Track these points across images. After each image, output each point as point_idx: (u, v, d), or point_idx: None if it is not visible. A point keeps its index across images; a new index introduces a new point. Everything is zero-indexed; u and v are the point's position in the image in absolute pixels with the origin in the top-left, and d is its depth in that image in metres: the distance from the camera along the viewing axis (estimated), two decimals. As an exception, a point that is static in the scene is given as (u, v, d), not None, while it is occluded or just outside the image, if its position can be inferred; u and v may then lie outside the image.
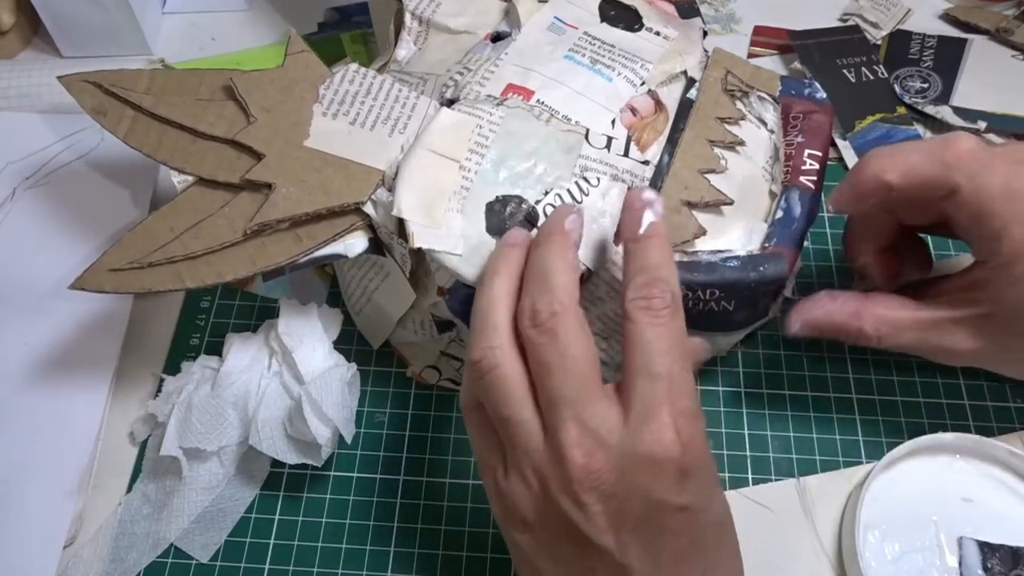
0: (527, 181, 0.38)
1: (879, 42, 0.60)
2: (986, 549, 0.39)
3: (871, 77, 0.57)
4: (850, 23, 0.60)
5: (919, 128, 0.55)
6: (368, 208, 0.38)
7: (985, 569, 0.39)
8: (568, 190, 0.38)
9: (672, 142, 0.41)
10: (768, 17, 0.61)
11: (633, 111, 0.41)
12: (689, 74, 0.43)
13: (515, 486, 0.31)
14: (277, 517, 0.42)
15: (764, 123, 0.43)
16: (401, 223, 0.37)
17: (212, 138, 0.40)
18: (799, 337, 0.40)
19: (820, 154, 0.42)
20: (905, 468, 0.41)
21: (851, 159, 0.54)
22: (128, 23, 0.58)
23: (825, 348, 0.46)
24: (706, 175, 0.40)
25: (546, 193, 0.38)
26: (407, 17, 0.45)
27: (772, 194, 0.41)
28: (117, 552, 0.41)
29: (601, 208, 0.38)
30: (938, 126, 0.55)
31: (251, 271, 0.38)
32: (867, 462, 0.43)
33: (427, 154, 0.38)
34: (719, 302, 0.38)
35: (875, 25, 0.60)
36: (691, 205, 0.39)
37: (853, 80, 0.57)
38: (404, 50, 0.45)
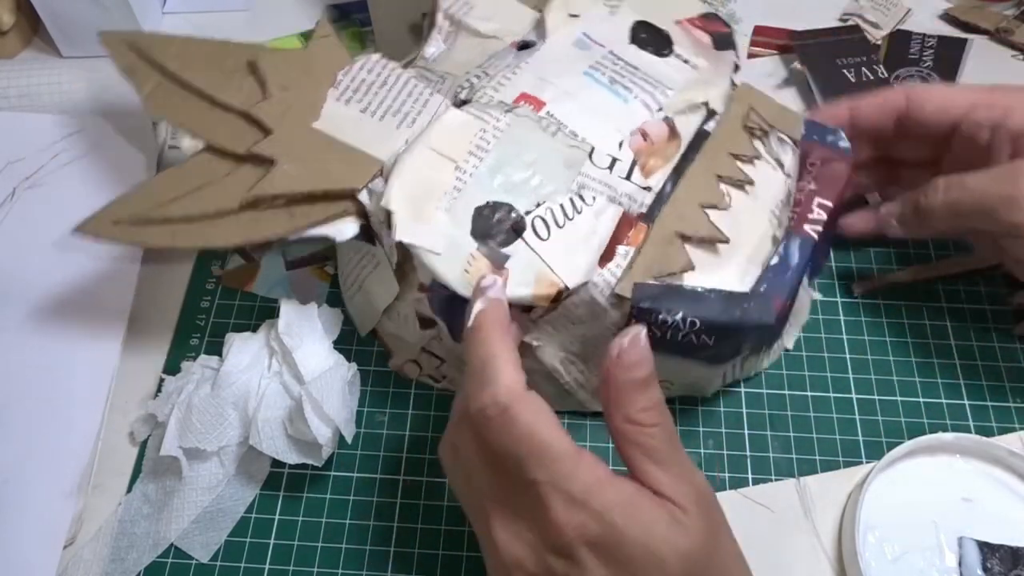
0: (521, 190, 0.38)
1: (879, 42, 0.60)
2: (986, 549, 0.39)
3: (871, 77, 0.57)
4: (850, 23, 0.60)
5: (919, 128, 0.55)
6: (363, 196, 0.39)
7: (985, 569, 0.39)
8: (562, 205, 0.38)
9: (678, 172, 0.40)
10: (768, 17, 0.61)
11: (644, 136, 0.40)
12: (710, 106, 0.42)
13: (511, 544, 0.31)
14: (277, 517, 0.42)
15: (781, 165, 0.42)
16: (389, 214, 0.37)
17: (228, 109, 0.41)
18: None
19: (831, 204, 0.40)
20: (905, 468, 0.41)
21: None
22: (128, 23, 0.58)
23: (825, 348, 0.46)
24: (707, 209, 0.39)
25: (538, 205, 0.37)
26: (439, 16, 0.46)
27: (775, 239, 0.40)
28: (117, 552, 0.41)
29: (592, 227, 0.37)
30: (938, 126, 0.55)
31: (241, 241, 0.39)
32: (867, 462, 0.43)
33: (426, 151, 0.38)
34: (699, 335, 0.37)
35: (875, 25, 0.60)
36: (684, 238, 0.38)
37: (853, 80, 0.57)
38: (433, 47, 0.46)
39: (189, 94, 0.42)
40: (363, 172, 0.39)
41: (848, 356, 0.46)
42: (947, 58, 0.58)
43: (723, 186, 0.40)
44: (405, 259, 0.39)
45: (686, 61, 0.43)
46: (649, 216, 0.39)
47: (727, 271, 0.38)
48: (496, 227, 0.37)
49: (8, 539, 0.41)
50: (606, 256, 0.38)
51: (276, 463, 0.43)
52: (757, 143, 0.42)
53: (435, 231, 0.37)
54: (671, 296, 0.37)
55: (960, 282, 0.49)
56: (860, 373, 0.46)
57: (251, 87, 0.41)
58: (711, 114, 0.42)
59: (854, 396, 0.45)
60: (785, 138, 0.42)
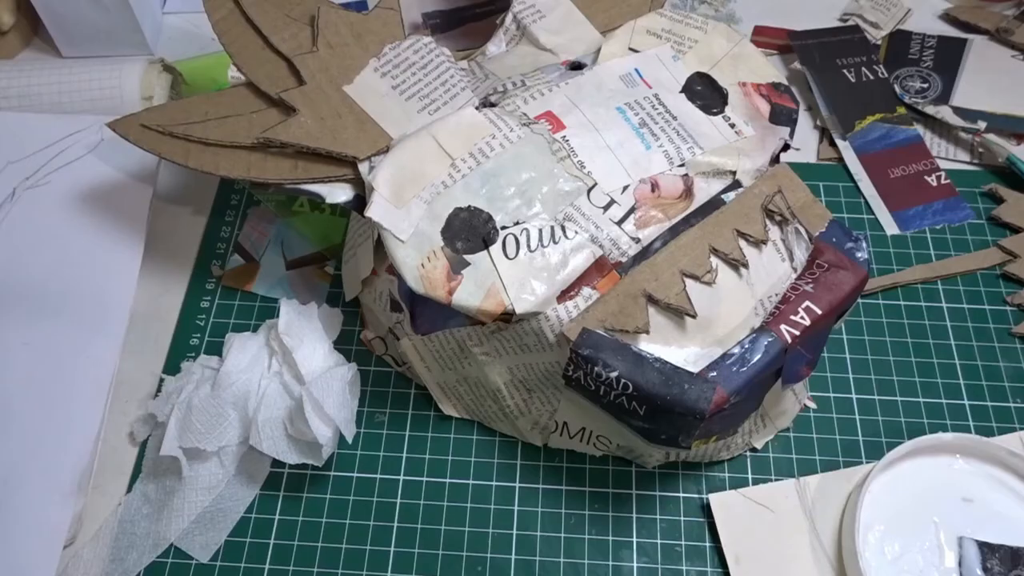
0: (505, 205, 0.37)
1: (879, 42, 0.60)
2: (986, 549, 0.39)
3: (871, 77, 0.57)
4: (850, 23, 0.60)
5: (919, 128, 0.55)
6: (363, 167, 0.39)
7: (985, 569, 0.39)
8: (540, 230, 0.37)
9: (674, 232, 0.38)
10: (768, 17, 0.61)
11: (654, 186, 0.39)
12: (737, 176, 0.40)
13: None
14: (277, 517, 0.42)
15: (791, 258, 0.39)
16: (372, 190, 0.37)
17: (277, 52, 0.43)
18: None
19: (820, 312, 0.36)
20: (905, 468, 0.41)
21: (851, 159, 0.54)
22: (128, 23, 0.58)
23: (825, 348, 0.46)
24: (686, 278, 0.36)
25: (517, 223, 0.37)
26: (509, 17, 0.46)
27: (752, 331, 0.36)
28: (117, 552, 0.41)
29: (563, 261, 0.37)
30: (938, 126, 0.55)
31: (243, 176, 0.40)
32: (867, 462, 0.43)
33: (429, 140, 0.39)
34: (630, 400, 0.35)
35: (875, 25, 0.60)
36: (651, 300, 0.36)
37: (853, 80, 0.57)
38: (494, 47, 0.46)
39: (251, 29, 0.43)
40: (370, 145, 0.40)
41: (848, 356, 0.46)
42: (947, 58, 0.58)
43: (714, 259, 0.37)
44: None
45: (732, 125, 0.41)
46: (628, 267, 0.37)
47: (688, 348, 0.36)
48: (468, 232, 0.37)
49: (8, 539, 0.41)
50: (568, 293, 0.36)
51: (276, 463, 0.43)
52: (774, 228, 0.39)
53: (407, 218, 0.37)
54: (614, 352, 0.34)
55: (960, 282, 0.49)
56: (860, 373, 0.46)
57: (304, 37, 0.43)
58: (735, 185, 0.40)
59: (854, 396, 0.45)
60: (803, 231, 0.39)
